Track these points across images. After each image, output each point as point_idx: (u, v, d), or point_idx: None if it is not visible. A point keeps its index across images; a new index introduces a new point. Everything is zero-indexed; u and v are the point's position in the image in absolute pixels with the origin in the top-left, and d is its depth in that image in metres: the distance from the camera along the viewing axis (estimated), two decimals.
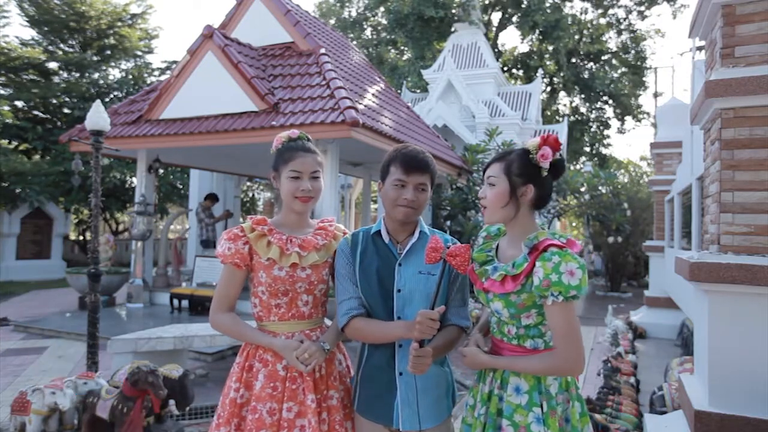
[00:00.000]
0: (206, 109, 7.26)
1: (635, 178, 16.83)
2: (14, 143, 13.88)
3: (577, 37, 22.87)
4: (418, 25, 19.70)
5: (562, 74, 21.81)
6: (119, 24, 15.80)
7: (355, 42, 23.02)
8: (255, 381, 1.76)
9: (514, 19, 22.58)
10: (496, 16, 23.61)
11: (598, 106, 23.50)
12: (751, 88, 2.46)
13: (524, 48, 24.62)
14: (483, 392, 1.66)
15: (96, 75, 15.21)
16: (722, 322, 2.51)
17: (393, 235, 1.80)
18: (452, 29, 18.59)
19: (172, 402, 3.17)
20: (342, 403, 1.82)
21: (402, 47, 23.73)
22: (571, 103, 24.78)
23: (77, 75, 14.94)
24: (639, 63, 23.09)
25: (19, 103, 14.06)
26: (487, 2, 22.56)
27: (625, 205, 12.39)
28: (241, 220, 11.55)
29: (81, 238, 17.07)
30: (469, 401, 1.75)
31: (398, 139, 7.35)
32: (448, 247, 1.55)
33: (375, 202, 14.24)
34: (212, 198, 9.59)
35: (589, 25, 23.50)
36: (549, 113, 23.98)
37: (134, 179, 14.18)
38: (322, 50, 7.71)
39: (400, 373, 1.70)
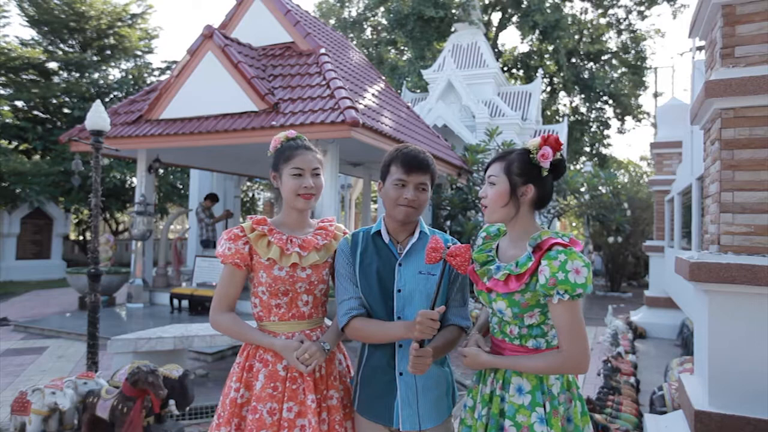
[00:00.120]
0: (206, 109, 7.26)
1: (635, 178, 16.86)
2: (14, 143, 13.88)
3: (577, 37, 22.86)
4: (418, 25, 19.69)
5: (562, 74, 21.78)
6: (119, 24, 15.80)
7: (355, 42, 23.02)
8: (255, 381, 1.76)
9: (514, 19, 22.56)
10: (496, 16, 23.59)
11: (598, 106, 23.47)
12: (751, 88, 2.46)
13: (524, 48, 24.59)
14: (484, 393, 1.65)
15: (96, 75, 15.21)
16: (722, 322, 2.51)
17: (393, 235, 1.80)
18: (452, 29, 18.58)
19: (172, 402, 3.17)
20: (342, 403, 1.82)
21: (402, 47, 23.71)
22: (571, 103, 24.75)
23: (77, 75, 14.94)
24: (639, 63, 23.06)
25: (19, 103, 14.05)
26: (487, 2, 22.54)
27: (625, 205, 12.38)
28: (241, 220, 11.55)
29: (81, 238, 17.08)
30: (468, 402, 1.74)
31: (398, 139, 7.34)
32: (448, 247, 1.55)
33: (375, 202, 14.24)
34: (212, 198, 9.59)
35: (589, 25, 23.49)
36: (549, 113, 23.96)
37: (134, 179, 14.21)
38: (322, 50, 7.71)
39: (400, 373, 1.70)
